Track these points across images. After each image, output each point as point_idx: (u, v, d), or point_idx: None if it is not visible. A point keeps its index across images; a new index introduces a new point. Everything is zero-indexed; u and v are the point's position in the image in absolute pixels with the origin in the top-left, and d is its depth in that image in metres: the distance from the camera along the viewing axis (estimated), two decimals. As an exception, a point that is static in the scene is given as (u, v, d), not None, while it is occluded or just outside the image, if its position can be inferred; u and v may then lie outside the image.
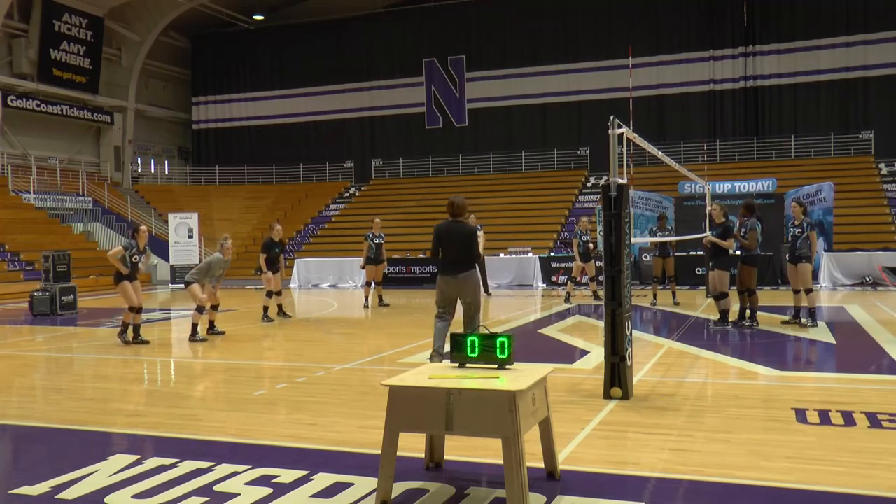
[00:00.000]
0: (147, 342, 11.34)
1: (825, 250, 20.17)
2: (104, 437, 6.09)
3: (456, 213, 8.66)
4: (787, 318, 12.44)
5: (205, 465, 5.11)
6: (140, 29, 36.85)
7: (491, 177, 33.58)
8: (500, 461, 4.15)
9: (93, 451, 5.61)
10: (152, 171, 40.32)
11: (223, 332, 12.37)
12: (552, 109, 33.81)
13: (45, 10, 32.66)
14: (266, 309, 14.36)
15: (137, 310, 11.40)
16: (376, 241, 17.10)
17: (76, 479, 4.89)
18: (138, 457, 5.33)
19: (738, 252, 12.29)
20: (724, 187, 22.30)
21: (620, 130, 7.28)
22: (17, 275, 23.77)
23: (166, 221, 29.02)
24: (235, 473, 4.93)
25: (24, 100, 32.57)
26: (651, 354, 9.47)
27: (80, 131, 36.07)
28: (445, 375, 4.46)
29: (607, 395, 6.95)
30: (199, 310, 11.76)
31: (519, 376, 4.43)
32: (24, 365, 10.25)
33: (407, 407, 4.32)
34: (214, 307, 12.40)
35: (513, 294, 20.55)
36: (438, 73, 35.92)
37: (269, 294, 14.38)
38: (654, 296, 16.24)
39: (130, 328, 11.52)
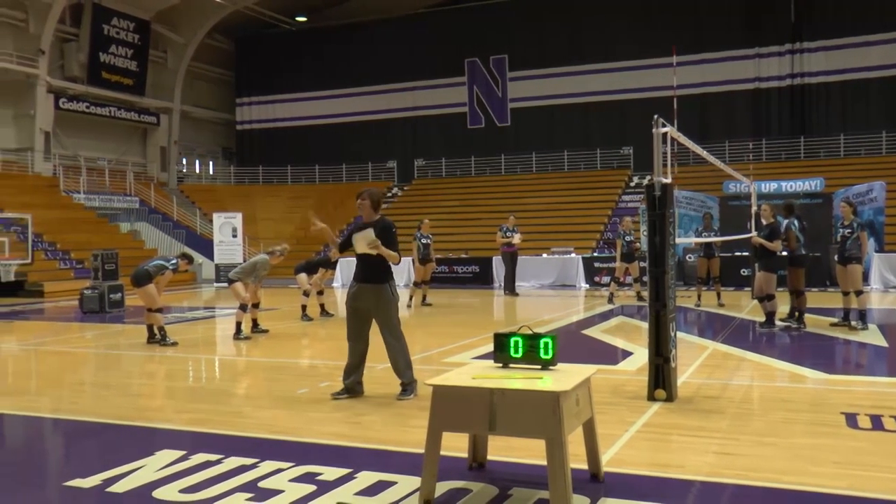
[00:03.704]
0: (175, 343, 11.31)
1: (876, 251, 19.75)
2: (151, 433, 6.19)
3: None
4: (836, 320, 12.21)
5: (249, 461, 5.17)
6: (185, 32, 37.44)
7: (533, 176, 33.46)
8: (544, 462, 4.14)
9: (140, 445, 5.70)
10: (197, 171, 40.99)
11: (267, 330, 12.51)
12: (595, 108, 33.58)
13: (94, 15, 33.31)
14: (304, 308, 14.50)
15: (159, 309, 11.50)
16: (424, 241, 17.20)
17: (125, 473, 4.98)
18: (184, 452, 5.41)
19: (783, 253, 12.11)
20: (769, 187, 21.96)
21: (664, 129, 7.20)
22: (67, 273, 24.25)
23: (211, 221, 29.39)
24: (279, 470, 4.98)
25: (75, 102, 33.29)
26: (695, 356, 9.36)
27: (127, 132, 36.73)
28: (489, 375, 4.46)
29: (651, 397, 6.89)
30: (243, 308, 11.89)
31: (563, 377, 4.41)
32: (74, 361, 10.47)
33: (450, 407, 4.32)
34: (255, 305, 12.52)
35: (555, 294, 20.45)
36: (480, 72, 35.90)
37: (306, 293, 14.54)
38: (699, 297, 16.05)
39: (155, 329, 11.51)
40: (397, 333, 7.19)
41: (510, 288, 19.45)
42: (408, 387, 7.17)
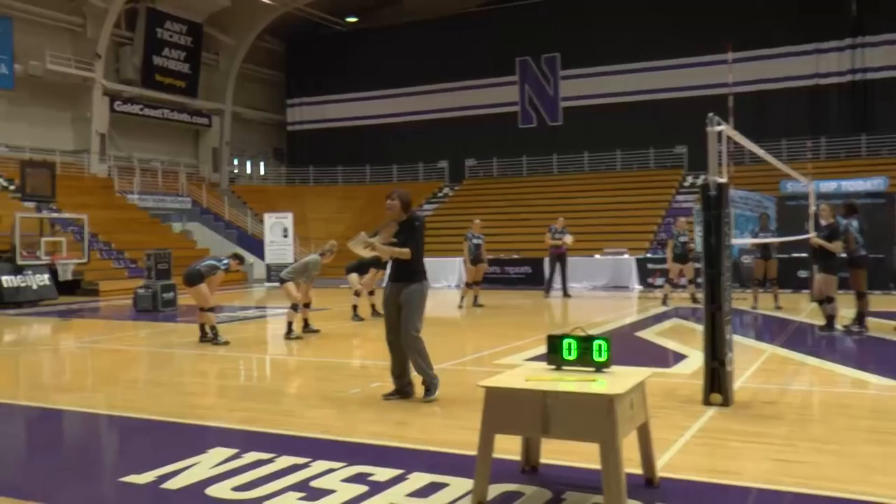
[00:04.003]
0: (227, 342, 11.42)
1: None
2: (203, 431, 6.29)
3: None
4: (899, 323, 11.91)
5: (301, 460, 5.21)
6: (236, 34, 38.00)
7: (585, 176, 33.23)
8: (598, 466, 4.10)
9: (193, 443, 5.79)
10: (248, 171, 41.54)
11: (318, 330, 12.61)
12: (648, 107, 33.18)
13: (149, 19, 34.04)
14: (355, 308, 14.60)
15: (211, 309, 11.64)
16: (475, 241, 17.21)
17: (179, 470, 5.06)
18: (237, 451, 5.48)
19: (843, 255, 11.84)
20: (829, 186, 21.48)
21: (720, 128, 7.10)
22: (121, 272, 24.78)
23: (262, 221, 29.77)
24: (331, 470, 5.01)
25: (129, 104, 34.03)
26: (752, 360, 9.20)
27: (179, 134, 37.44)
28: (542, 377, 4.44)
29: (706, 402, 6.78)
30: (294, 308, 12.00)
31: (617, 380, 4.37)
32: (128, 359, 10.69)
33: (503, 408, 4.31)
34: (307, 305, 12.63)
35: (608, 296, 20.28)
36: (532, 71, 35.78)
37: (357, 293, 14.63)
38: (755, 299, 15.77)
39: (207, 328, 11.64)
40: (413, 333, 7.11)
41: (563, 289, 19.33)
42: (429, 388, 7.18)
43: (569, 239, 19.04)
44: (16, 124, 30.31)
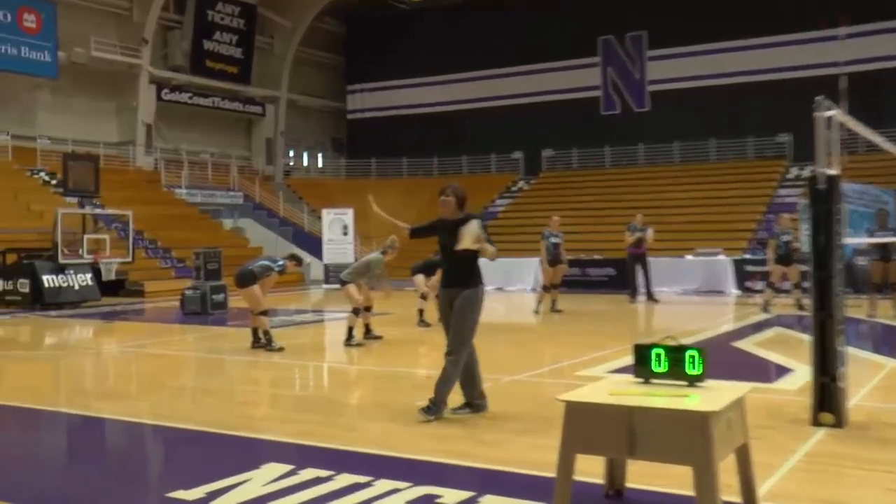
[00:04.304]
0: (282, 348, 11.52)
1: None
2: (255, 444, 6.39)
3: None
4: None
5: (363, 479, 5.24)
6: (293, 15, 38.59)
7: (675, 168, 32.74)
8: (690, 493, 4.03)
9: (245, 457, 5.88)
10: (305, 164, 42.12)
11: (380, 337, 12.67)
12: (746, 90, 32.44)
13: (199, 0, 34.76)
14: (421, 312, 14.66)
15: (265, 312, 11.75)
16: (553, 240, 17.13)
17: (230, 487, 5.13)
18: (292, 467, 5.54)
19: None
20: (959, 179, 20.76)
21: (830, 113, 6.93)
22: (168, 272, 25.40)
23: (319, 217, 30.15)
24: (396, 490, 5.02)
25: (177, 93, 34.89)
26: (869, 376, 8.95)
27: (231, 124, 38.21)
28: (628, 392, 4.39)
29: (815, 422, 6.62)
30: (355, 312, 12.10)
31: (712, 395, 4.29)
32: (175, 364, 10.95)
33: (584, 426, 4.27)
34: (368, 309, 12.71)
35: (702, 301, 19.97)
36: (615, 52, 35.40)
37: (424, 296, 14.68)
38: (872, 306, 15.34)
39: (260, 333, 11.76)
40: (460, 345, 7.01)
41: (647, 293, 19.10)
42: (432, 406, 7.04)
43: (650, 234, 18.82)
44: (59, 115, 31.39)
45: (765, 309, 16.29)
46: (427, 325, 14.43)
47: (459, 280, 7.15)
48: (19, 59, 29.09)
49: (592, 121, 35.40)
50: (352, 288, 12.14)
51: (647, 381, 4.58)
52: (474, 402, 7.28)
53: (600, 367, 9.66)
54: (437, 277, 14.71)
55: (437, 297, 7.43)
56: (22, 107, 30.75)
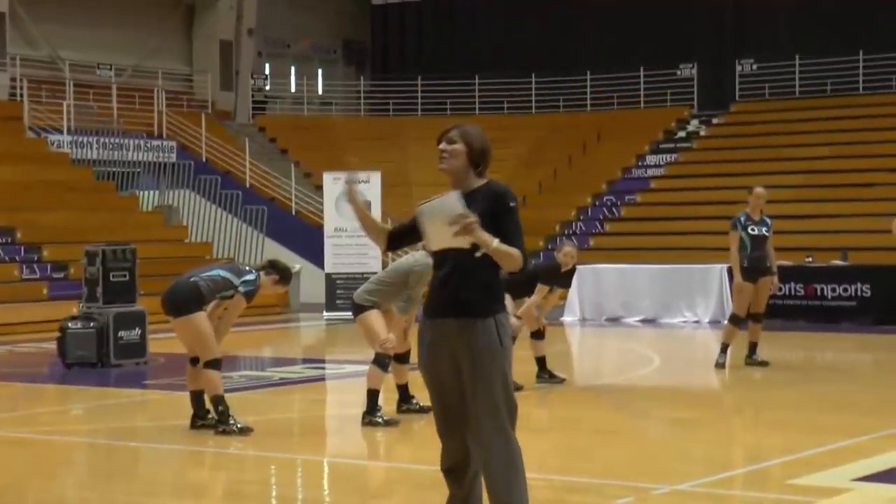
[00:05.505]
0: (248, 429, 7.61)
1: None
2: None
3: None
4: None
5: None
6: None
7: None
8: None
9: None
10: (292, 89, 28.37)
11: (427, 408, 8.27)
12: None
13: None
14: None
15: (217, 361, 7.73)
16: (755, 230, 11.22)
17: None
18: None
19: None
20: None
21: None
22: (35, 288, 17.03)
23: (319, 187, 20.17)
24: None
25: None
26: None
27: (154, 12, 25.12)
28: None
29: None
30: (381, 363, 7.94)
31: None
32: (47, 460, 7.54)
33: None
34: (401, 358, 8.38)
35: None
36: None
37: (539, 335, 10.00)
38: None
39: (207, 400, 7.76)
40: (502, 422, 4.36)
41: None
42: None
43: None
44: None
45: None
46: (519, 387, 9.12)
47: (459, 302, 4.33)
48: None
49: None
50: (373, 317, 7.82)
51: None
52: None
53: (840, 468, 6.65)
54: (536, 297, 9.69)
55: (420, 336, 4.52)
56: None
